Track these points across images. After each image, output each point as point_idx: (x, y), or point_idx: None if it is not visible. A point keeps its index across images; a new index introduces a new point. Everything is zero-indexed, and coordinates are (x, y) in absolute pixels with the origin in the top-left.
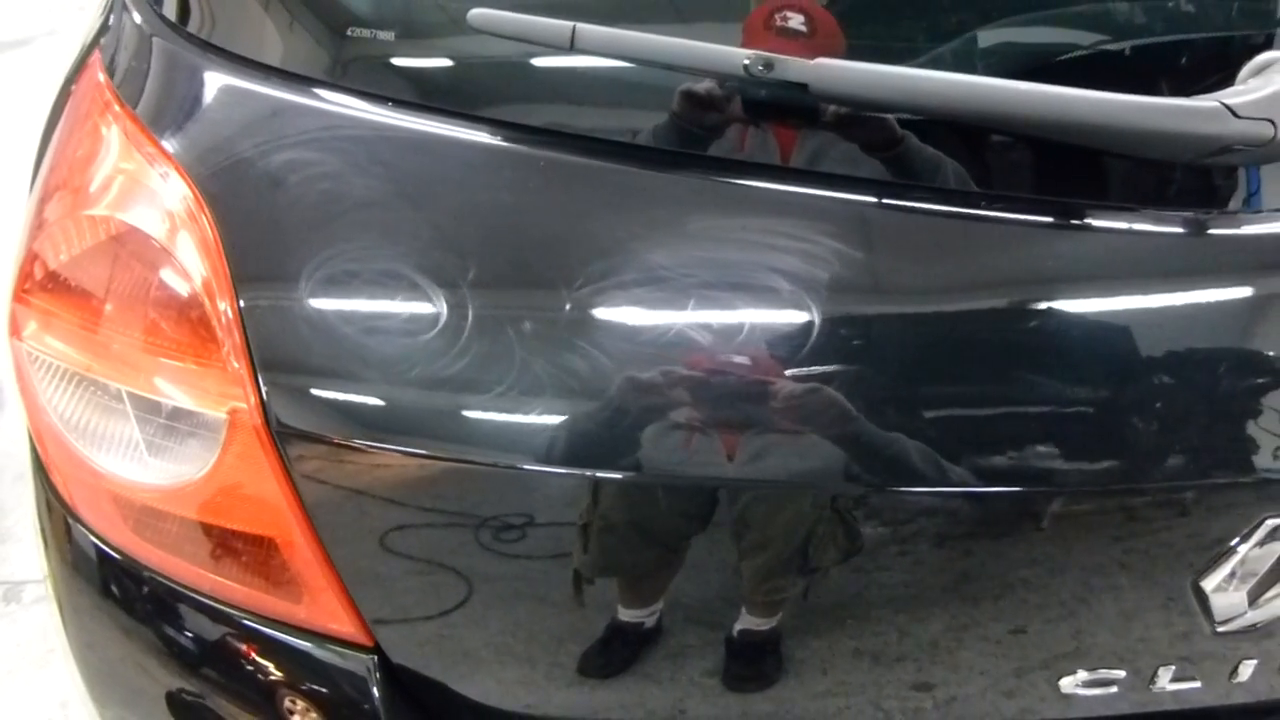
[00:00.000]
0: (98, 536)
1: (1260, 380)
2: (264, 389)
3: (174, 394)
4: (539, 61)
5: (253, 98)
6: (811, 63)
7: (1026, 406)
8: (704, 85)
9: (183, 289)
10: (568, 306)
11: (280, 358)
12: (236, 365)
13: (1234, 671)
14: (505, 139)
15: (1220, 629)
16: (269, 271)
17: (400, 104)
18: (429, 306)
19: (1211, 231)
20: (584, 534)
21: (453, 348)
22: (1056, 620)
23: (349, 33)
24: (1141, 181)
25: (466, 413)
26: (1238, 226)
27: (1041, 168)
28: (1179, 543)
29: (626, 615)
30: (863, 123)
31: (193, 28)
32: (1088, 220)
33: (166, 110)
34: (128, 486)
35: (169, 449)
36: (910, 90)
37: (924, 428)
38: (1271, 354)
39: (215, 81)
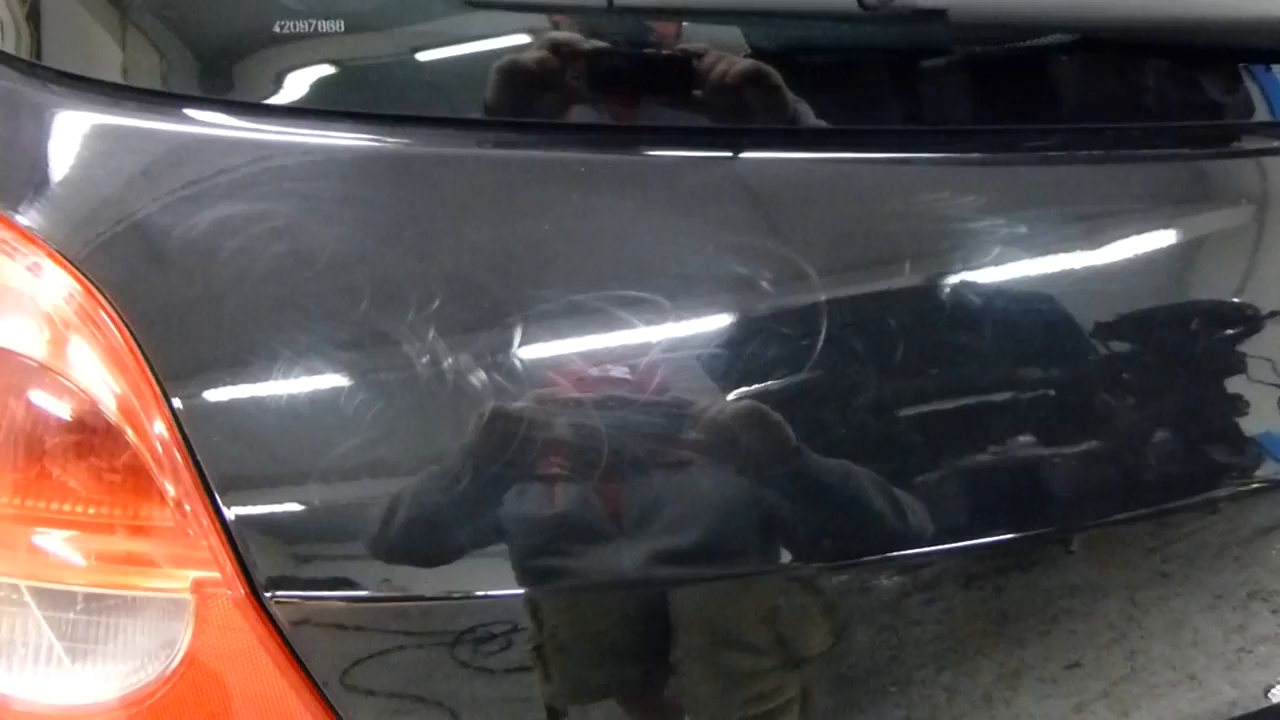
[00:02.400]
0: None
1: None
2: (241, 544)
3: (105, 579)
4: (554, 35)
5: (152, 139)
6: None
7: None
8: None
9: (89, 421)
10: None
11: (259, 493)
12: (193, 516)
13: None
14: (533, 144)
15: None
16: (220, 371)
17: (366, 119)
18: (470, 387)
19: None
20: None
21: (511, 443)
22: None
23: (277, 29)
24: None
25: (564, 533)
26: None
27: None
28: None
29: None
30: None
31: (25, 52)
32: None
33: (15, 175)
34: (52, 714)
35: (105, 653)
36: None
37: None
38: None
39: (89, 123)
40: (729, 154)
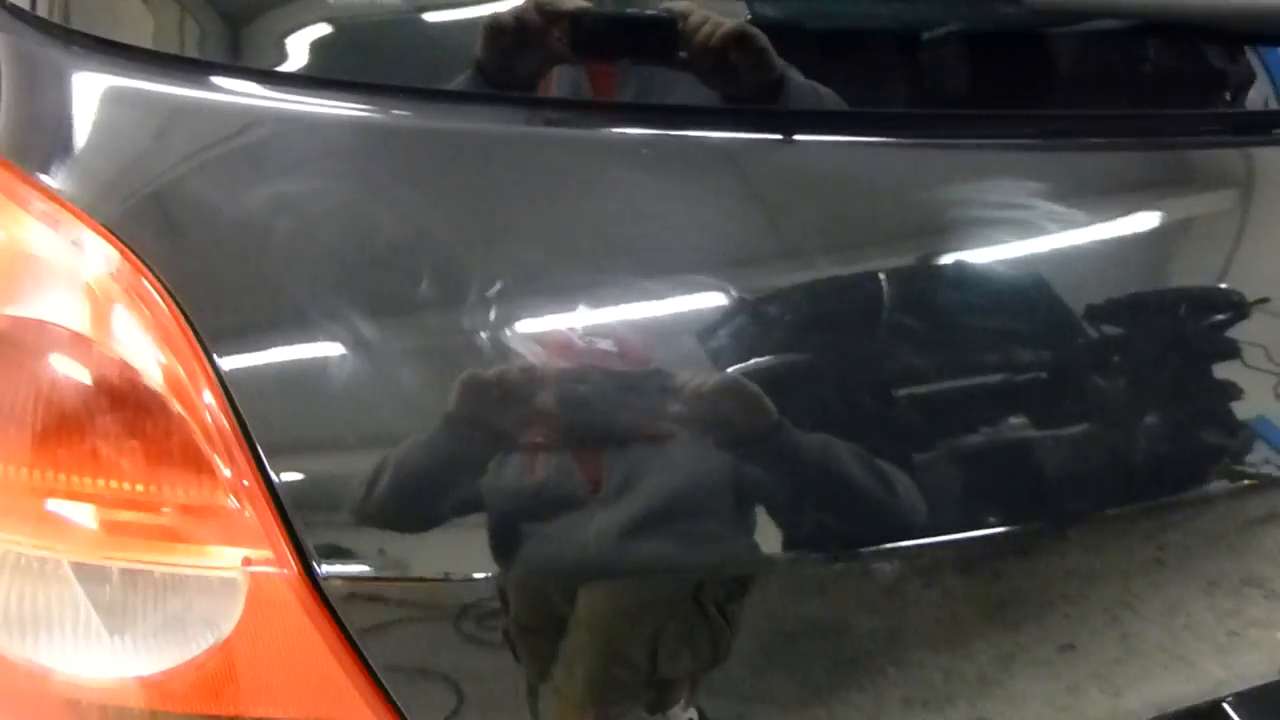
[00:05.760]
0: None
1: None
2: (297, 526)
3: (150, 556)
4: None
5: (183, 108)
6: None
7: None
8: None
9: (135, 396)
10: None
11: (317, 469)
12: (245, 493)
13: None
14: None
15: None
16: (271, 336)
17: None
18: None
19: None
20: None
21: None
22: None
23: None
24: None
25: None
26: None
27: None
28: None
29: None
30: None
31: (56, 15)
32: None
33: (48, 142)
34: (92, 688)
35: (148, 629)
36: None
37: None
38: None
39: (120, 89)
40: None
